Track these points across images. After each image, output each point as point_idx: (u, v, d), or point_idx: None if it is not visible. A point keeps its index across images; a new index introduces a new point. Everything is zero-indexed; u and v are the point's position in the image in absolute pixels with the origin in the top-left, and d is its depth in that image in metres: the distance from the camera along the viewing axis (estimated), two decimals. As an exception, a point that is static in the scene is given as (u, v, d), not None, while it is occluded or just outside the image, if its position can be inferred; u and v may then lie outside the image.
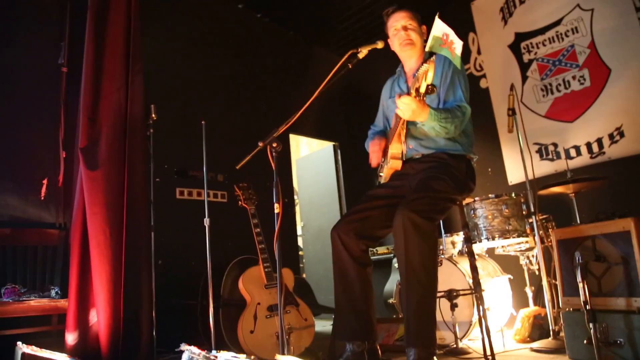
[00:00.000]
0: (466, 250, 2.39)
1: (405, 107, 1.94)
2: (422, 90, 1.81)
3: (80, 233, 2.59)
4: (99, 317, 2.48)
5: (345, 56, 2.10)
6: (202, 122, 3.01)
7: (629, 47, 3.58)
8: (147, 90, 2.92)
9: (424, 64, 1.76)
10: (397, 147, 2.29)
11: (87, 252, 2.56)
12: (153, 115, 2.97)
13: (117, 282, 2.52)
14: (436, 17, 1.90)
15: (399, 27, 2.36)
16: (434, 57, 1.78)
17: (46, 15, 3.18)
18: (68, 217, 3.04)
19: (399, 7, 2.41)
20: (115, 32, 2.72)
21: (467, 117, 2.18)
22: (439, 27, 1.91)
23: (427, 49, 1.96)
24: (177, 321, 3.21)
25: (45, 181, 3.06)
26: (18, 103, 2.99)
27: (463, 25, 4.62)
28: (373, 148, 2.49)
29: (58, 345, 2.43)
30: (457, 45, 1.92)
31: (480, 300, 2.11)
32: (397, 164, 2.31)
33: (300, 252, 5.96)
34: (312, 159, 6.09)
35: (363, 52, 2.15)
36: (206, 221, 2.89)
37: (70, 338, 2.46)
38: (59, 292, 2.76)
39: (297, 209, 6.08)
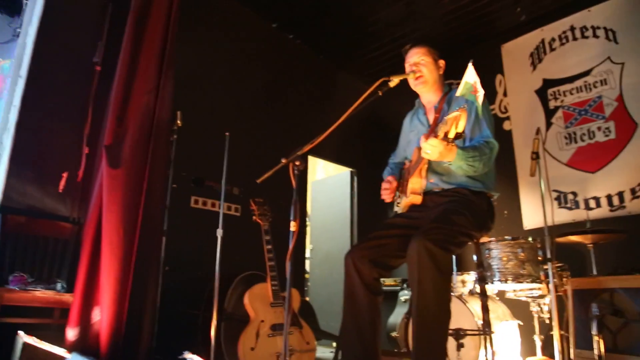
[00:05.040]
0: (478, 290, 2.34)
1: (432, 150, 1.89)
2: (451, 136, 1.78)
3: (94, 229, 2.59)
4: (102, 316, 2.46)
5: (377, 83, 2.11)
6: (226, 134, 3.03)
7: (657, 103, 3.58)
8: (175, 96, 2.96)
9: (455, 111, 1.73)
10: (417, 182, 2.26)
11: (99, 249, 2.55)
12: (178, 122, 3.01)
13: (125, 283, 2.50)
14: (469, 65, 1.91)
15: (412, 63, 2.39)
16: (465, 105, 1.76)
17: (87, 15, 3.27)
18: (83, 212, 3.05)
19: (415, 44, 2.44)
20: (153, 37, 2.78)
21: (495, 153, 2.15)
22: (471, 75, 1.92)
23: (458, 93, 1.94)
24: (177, 329, 3.17)
25: (65, 174, 3.08)
26: (49, 95, 3.04)
27: (491, 66, 4.67)
28: (384, 186, 2.49)
29: (58, 339, 2.41)
30: (480, 94, 1.92)
31: (490, 342, 2.06)
32: (417, 199, 2.28)
33: (306, 275, 5.90)
34: (327, 183, 6.09)
35: (394, 81, 2.16)
36: (219, 232, 2.89)
37: (71, 333, 2.44)
38: (65, 286, 2.74)
39: (308, 231, 6.05)
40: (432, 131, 2.28)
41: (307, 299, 5.53)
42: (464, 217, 2.07)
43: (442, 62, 2.44)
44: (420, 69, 2.36)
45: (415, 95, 2.55)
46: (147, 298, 2.63)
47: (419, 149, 2.07)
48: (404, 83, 2.29)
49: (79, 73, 3.19)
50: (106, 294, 2.47)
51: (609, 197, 3.70)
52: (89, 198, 2.86)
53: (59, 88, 3.09)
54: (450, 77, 4.71)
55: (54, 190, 3.03)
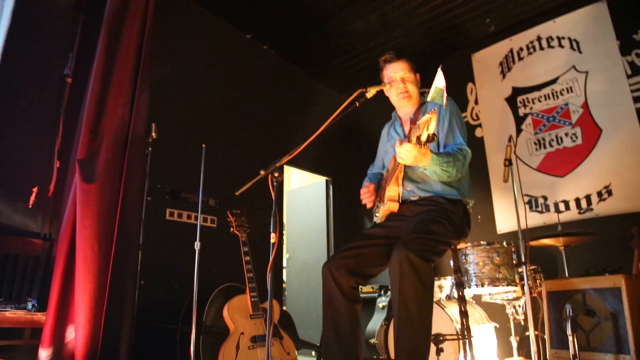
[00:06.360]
0: (456, 295, 2.39)
1: (407, 154, 1.95)
2: (424, 139, 1.83)
3: (67, 245, 2.52)
4: (77, 334, 2.39)
5: (354, 94, 2.12)
6: (203, 146, 3.01)
7: (619, 110, 3.73)
8: (149, 108, 2.92)
9: (426, 114, 1.78)
10: (394, 190, 2.30)
11: (72, 266, 2.49)
12: (153, 134, 2.96)
13: (100, 300, 2.44)
14: (439, 70, 1.97)
15: (397, 79, 2.42)
16: (436, 108, 1.82)
17: (57, 26, 3.20)
18: (54, 228, 2.97)
19: (397, 57, 2.46)
20: (127, 48, 2.74)
21: (468, 159, 2.21)
22: (441, 80, 1.97)
23: (428, 98, 1.99)
24: (155, 345, 3.11)
25: (35, 189, 3.00)
26: (18, 108, 2.96)
27: (463, 75, 4.78)
28: (362, 191, 2.53)
29: (28, 361, 2.34)
30: (445, 97, 1.98)
31: (470, 346, 2.09)
32: (394, 206, 2.32)
33: (284, 284, 5.87)
34: (303, 192, 6.10)
35: (371, 92, 2.17)
36: (197, 245, 2.85)
37: (44, 354, 2.36)
38: (36, 304, 2.66)
39: (284, 240, 6.04)
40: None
41: (285, 308, 5.51)
42: (443, 226, 2.11)
43: (418, 76, 2.50)
44: (407, 86, 2.41)
45: (391, 105, 2.59)
46: (124, 314, 2.57)
47: (396, 158, 2.10)
48: (380, 91, 2.32)
49: (49, 85, 3.11)
50: (81, 311, 2.40)
51: (577, 201, 3.82)
52: (60, 213, 2.79)
53: (28, 101, 3.01)
54: (423, 85, 4.82)
55: (23, 206, 2.93)
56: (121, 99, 2.70)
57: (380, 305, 4.09)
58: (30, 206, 2.97)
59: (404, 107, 2.49)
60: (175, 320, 3.12)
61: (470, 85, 4.75)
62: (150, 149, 2.99)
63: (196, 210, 3.01)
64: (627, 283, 2.12)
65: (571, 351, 2.03)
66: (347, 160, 5.60)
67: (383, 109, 2.75)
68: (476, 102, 4.68)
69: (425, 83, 2.71)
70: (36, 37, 3.08)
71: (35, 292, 2.81)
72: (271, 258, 1.92)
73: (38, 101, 3.07)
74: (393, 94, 2.44)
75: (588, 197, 3.76)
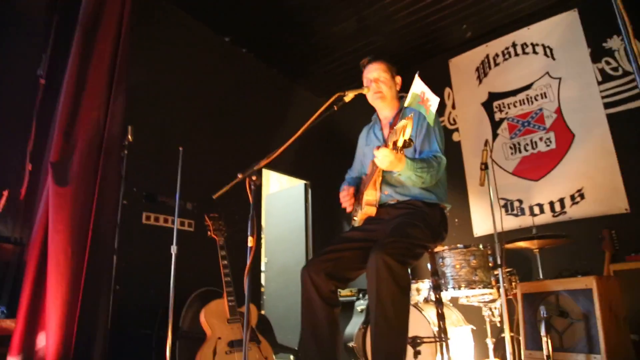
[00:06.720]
0: (433, 297, 2.40)
1: (383, 159, 1.97)
2: (400, 144, 1.86)
3: (38, 250, 2.46)
4: (48, 342, 2.33)
5: (332, 98, 2.13)
6: (180, 149, 2.98)
7: (591, 115, 3.83)
8: (126, 110, 2.88)
9: (402, 119, 1.81)
10: (372, 194, 2.31)
11: (44, 271, 2.42)
12: (129, 137, 2.92)
13: (73, 306, 2.38)
14: (416, 76, 1.99)
15: (372, 79, 2.44)
16: (412, 114, 1.84)
17: (31, 26, 3.13)
18: (26, 232, 2.89)
19: (375, 58, 2.49)
20: (103, 50, 2.70)
21: (443, 167, 2.24)
22: (418, 85, 2.00)
23: (406, 104, 2.02)
24: (130, 351, 3.05)
25: (6, 193, 2.91)
26: (-12, 110, 2.89)
27: (440, 80, 4.84)
28: (342, 194, 2.53)
29: (-3, 370, 2.27)
30: (433, 102, 2.00)
31: (447, 348, 2.11)
32: (372, 210, 2.32)
33: (262, 288, 5.83)
34: (282, 196, 6.08)
35: (349, 96, 2.18)
36: (173, 249, 2.82)
37: (13, 363, 2.29)
38: (5, 311, 2.58)
39: (262, 244, 6.00)
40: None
41: (263, 312, 5.48)
42: (419, 229, 2.13)
43: (398, 79, 2.52)
44: (380, 86, 2.41)
45: (371, 108, 2.60)
46: (98, 320, 2.52)
47: (374, 162, 2.12)
48: (359, 96, 2.33)
49: (21, 86, 3.03)
50: (53, 317, 2.34)
51: (551, 204, 3.90)
52: (32, 217, 2.72)
53: (-1, 101, 2.93)
54: (403, 90, 4.87)
55: (-7, 210, 2.86)
56: (96, 102, 2.66)
57: (359, 308, 4.10)
58: (0, 210, 2.88)
59: (381, 110, 2.51)
60: (151, 325, 3.07)
61: (447, 90, 4.82)
62: (126, 152, 2.94)
63: (173, 214, 2.97)
64: (598, 284, 2.17)
65: (545, 352, 2.07)
66: (325, 163, 5.60)
67: (362, 112, 2.75)
68: (453, 107, 4.75)
69: (405, 88, 2.76)
70: (8, 37, 3.00)
71: (4, 298, 2.72)
72: (248, 262, 1.90)
73: (9, 103, 2.99)
74: (369, 94, 2.45)
75: (562, 201, 3.85)
